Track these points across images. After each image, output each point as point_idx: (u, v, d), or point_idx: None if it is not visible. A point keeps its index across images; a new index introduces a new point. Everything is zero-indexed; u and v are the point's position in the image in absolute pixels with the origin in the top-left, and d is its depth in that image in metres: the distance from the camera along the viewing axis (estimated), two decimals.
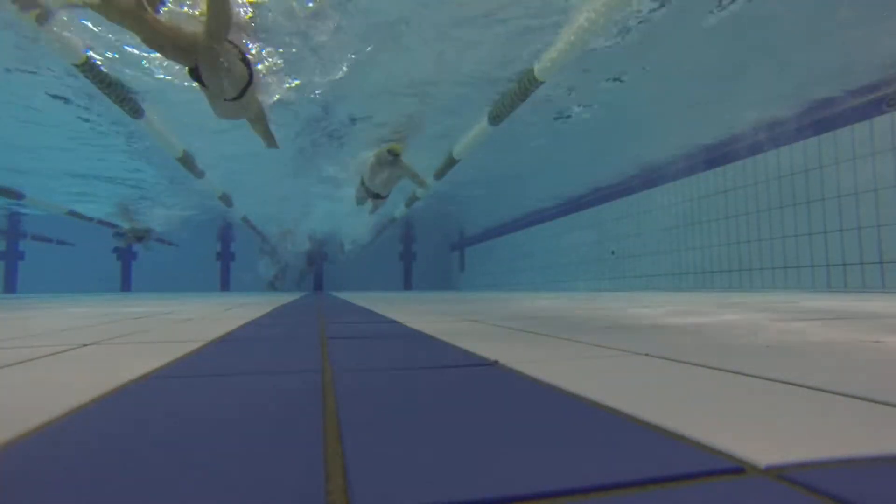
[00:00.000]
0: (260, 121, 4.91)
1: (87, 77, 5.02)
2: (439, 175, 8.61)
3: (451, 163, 7.95)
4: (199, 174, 8.55)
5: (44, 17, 4.19)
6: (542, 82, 5.06)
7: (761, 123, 6.94)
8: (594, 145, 8.14)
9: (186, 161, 7.76)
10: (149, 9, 3.43)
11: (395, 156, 6.97)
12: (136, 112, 5.83)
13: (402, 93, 6.06)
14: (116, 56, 5.07)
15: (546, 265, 13.42)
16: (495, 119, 6.12)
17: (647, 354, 1.38)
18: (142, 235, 13.58)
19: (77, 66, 4.80)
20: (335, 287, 18.87)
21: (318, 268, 19.34)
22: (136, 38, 3.68)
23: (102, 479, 0.55)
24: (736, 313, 2.89)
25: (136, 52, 5.00)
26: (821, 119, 6.40)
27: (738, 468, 0.55)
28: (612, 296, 6.67)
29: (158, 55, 4.12)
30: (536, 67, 4.90)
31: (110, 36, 4.69)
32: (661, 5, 4.34)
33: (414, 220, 15.82)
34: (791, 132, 6.73)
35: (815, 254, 6.55)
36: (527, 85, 5.21)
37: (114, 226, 13.69)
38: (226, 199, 10.91)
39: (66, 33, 4.46)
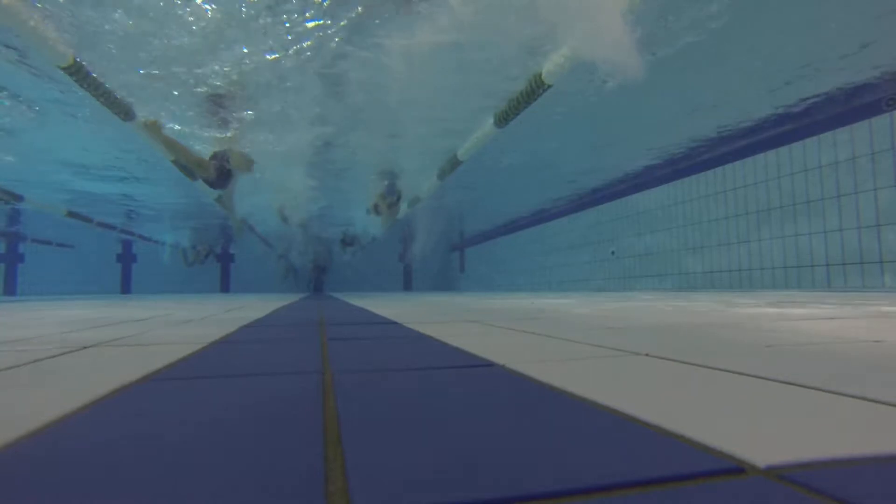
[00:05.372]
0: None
1: (74, 80, 4.87)
2: (443, 176, 8.56)
3: (455, 164, 7.91)
4: (193, 176, 8.50)
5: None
6: (549, 86, 5.02)
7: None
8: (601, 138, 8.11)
9: (179, 163, 7.71)
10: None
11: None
12: (126, 114, 5.77)
13: None
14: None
15: (546, 266, 13.41)
16: (501, 121, 6.08)
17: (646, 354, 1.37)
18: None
19: (63, 68, 4.64)
20: (333, 288, 18.86)
21: (319, 271, 19.41)
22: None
23: (103, 479, 0.55)
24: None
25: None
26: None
27: (738, 468, 0.55)
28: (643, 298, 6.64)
29: None
30: (545, 71, 4.86)
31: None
32: None
33: (414, 220, 15.74)
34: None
35: (815, 254, 6.55)
36: (534, 88, 5.17)
37: (119, 229, 15.07)
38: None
39: (52, 35, 4.29)
